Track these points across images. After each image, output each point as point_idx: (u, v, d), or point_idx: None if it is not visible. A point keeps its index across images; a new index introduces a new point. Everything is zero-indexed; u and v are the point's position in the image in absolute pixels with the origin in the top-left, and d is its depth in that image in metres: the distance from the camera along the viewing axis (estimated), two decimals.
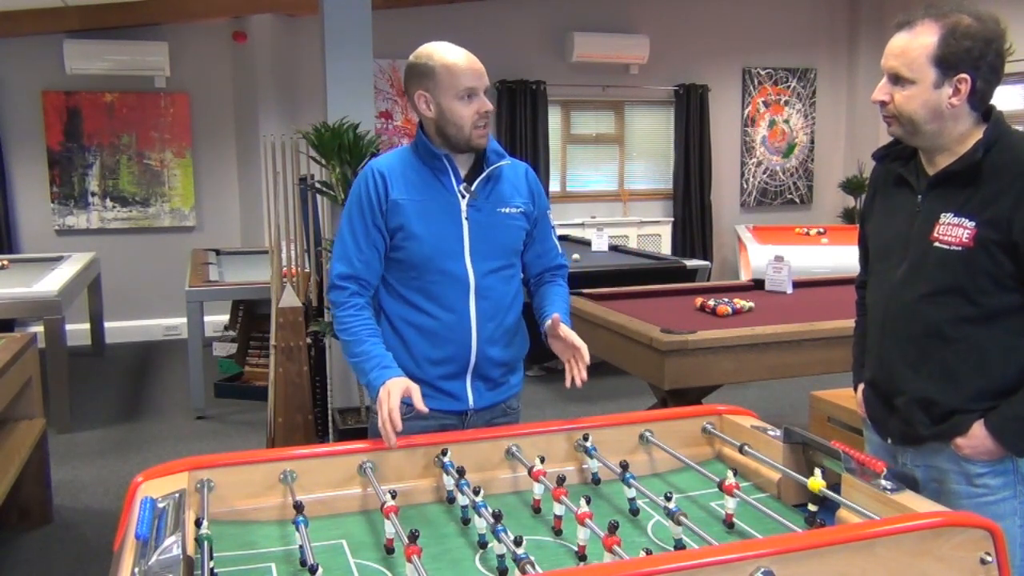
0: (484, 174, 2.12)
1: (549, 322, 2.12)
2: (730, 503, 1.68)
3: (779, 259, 4.56)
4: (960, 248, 1.76)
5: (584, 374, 2.08)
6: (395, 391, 1.92)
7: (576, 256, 6.61)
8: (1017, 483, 1.81)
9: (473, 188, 2.11)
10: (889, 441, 1.97)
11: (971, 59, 1.72)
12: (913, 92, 1.77)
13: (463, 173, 2.14)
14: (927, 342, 1.83)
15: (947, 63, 1.73)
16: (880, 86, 1.83)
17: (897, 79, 1.79)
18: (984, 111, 1.81)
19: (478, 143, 2.09)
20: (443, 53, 2.06)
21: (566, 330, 2.10)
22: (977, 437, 1.79)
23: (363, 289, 2.11)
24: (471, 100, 2.05)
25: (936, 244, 1.80)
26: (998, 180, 1.74)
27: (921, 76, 1.75)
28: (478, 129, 2.07)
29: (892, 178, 1.96)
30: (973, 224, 1.74)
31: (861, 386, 2.08)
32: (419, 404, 1.93)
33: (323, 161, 4.12)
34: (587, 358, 2.08)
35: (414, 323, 2.11)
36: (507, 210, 2.15)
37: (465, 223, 2.10)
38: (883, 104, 1.83)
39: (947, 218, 1.79)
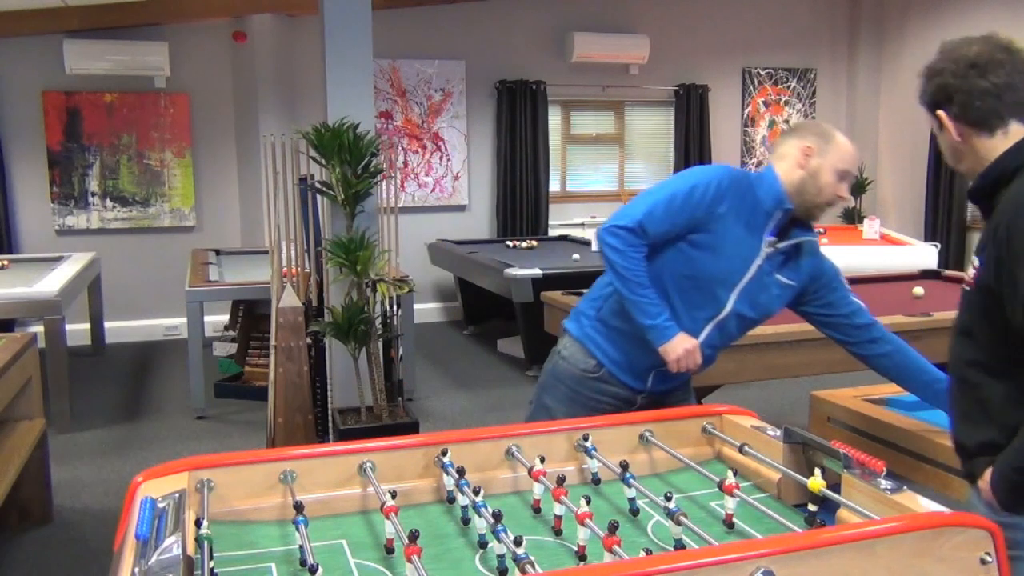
0: (792, 242, 2.32)
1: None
2: (730, 503, 1.68)
3: None
4: (970, 288, 1.70)
5: None
6: (695, 346, 2.26)
7: (576, 256, 6.62)
8: None
9: (778, 247, 2.29)
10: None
11: (940, 94, 1.71)
12: (940, 141, 1.78)
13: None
14: (955, 384, 1.78)
15: (929, 107, 1.74)
16: None
17: None
18: None
19: (814, 215, 2.31)
20: (843, 136, 2.32)
21: None
22: (984, 484, 1.70)
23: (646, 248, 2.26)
24: (841, 181, 2.27)
25: (964, 281, 1.74)
26: (996, 214, 1.63)
27: (933, 125, 1.76)
28: (825, 207, 2.29)
29: None
30: (979, 263, 1.67)
31: None
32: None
33: (323, 161, 4.12)
34: None
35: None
36: (784, 280, 2.34)
37: (752, 269, 2.29)
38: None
39: (975, 256, 1.71)
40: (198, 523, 1.50)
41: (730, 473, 1.76)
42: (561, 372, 2.46)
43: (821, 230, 7.97)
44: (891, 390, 2.78)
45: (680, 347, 2.24)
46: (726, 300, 2.31)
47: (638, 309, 2.25)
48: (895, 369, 2.35)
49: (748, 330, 2.45)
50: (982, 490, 1.71)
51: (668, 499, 1.61)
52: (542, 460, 1.83)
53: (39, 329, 5.09)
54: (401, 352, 4.55)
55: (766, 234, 2.28)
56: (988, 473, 1.69)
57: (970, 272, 1.71)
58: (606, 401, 2.42)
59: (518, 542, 1.41)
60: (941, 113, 1.72)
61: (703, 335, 2.33)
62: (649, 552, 1.46)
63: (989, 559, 1.42)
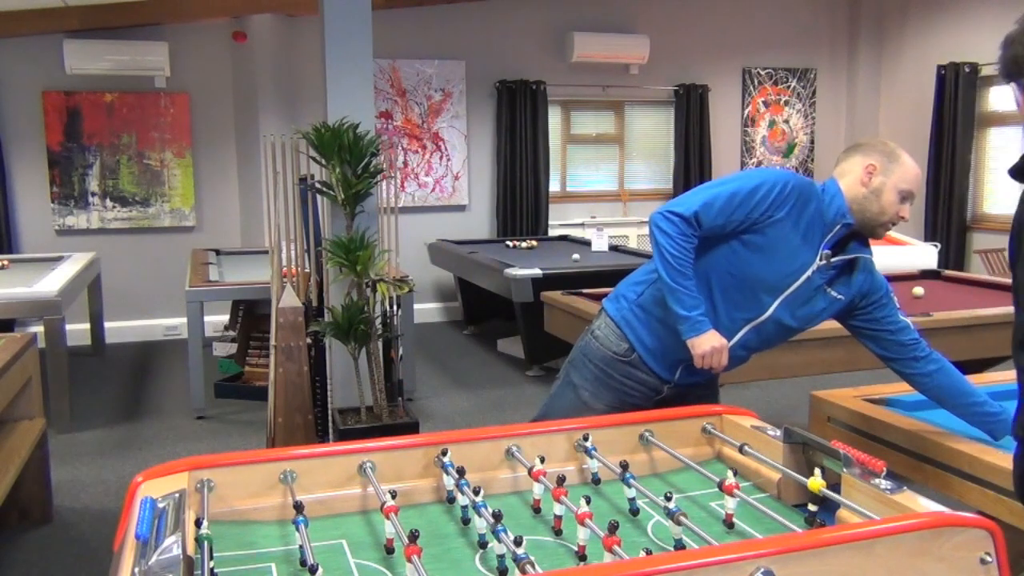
0: (847, 257, 2.32)
1: None
2: (730, 503, 1.68)
3: None
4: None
5: None
6: (724, 346, 2.24)
7: (576, 256, 6.62)
8: None
9: (831, 260, 2.29)
10: None
11: (1012, 65, 1.58)
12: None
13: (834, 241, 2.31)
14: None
15: (1005, 75, 1.60)
16: None
17: None
18: None
19: (877, 233, 2.32)
20: (908, 156, 2.31)
21: None
22: None
23: (696, 240, 2.25)
24: (903, 201, 2.28)
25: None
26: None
27: (1013, 96, 1.60)
28: (886, 227, 2.31)
29: None
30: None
31: None
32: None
33: (323, 161, 4.12)
34: None
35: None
36: (834, 294, 2.33)
37: (802, 279, 2.29)
38: None
39: None
40: (198, 523, 1.50)
41: (730, 473, 1.76)
42: (592, 351, 2.46)
43: None
44: (891, 390, 2.78)
45: (708, 344, 2.23)
46: (768, 305, 2.32)
47: (675, 298, 2.23)
48: (937, 390, 2.31)
49: (789, 337, 2.44)
50: None
51: (668, 499, 1.61)
52: (542, 460, 1.83)
53: (39, 329, 5.09)
54: (401, 352, 4.55)
55: (822, 247, 2.29)
56: None
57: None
58: (632, 386, 2.42)
59: (518, 542, 1.41)
60: (1013, 86, 1.60)
61: (739, 336, 2.34)
62: (649, 552, 1.46)
63: (989, 559, 1.42)
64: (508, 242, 7.52)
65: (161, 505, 1.51)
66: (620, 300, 2.48)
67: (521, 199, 8.13)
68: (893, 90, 8.93)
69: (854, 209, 2.29)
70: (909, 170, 2.28)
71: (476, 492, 1.66)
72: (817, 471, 1.72)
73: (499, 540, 1.48)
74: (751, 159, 9.06)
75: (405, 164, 7.89)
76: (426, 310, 7.99)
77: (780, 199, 2.23)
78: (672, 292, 2.24)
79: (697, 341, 2.23)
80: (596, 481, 1.90)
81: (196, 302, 5.30)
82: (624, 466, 1.81)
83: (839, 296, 2.35)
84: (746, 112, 8.98)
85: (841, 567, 1.36)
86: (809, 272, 2.29)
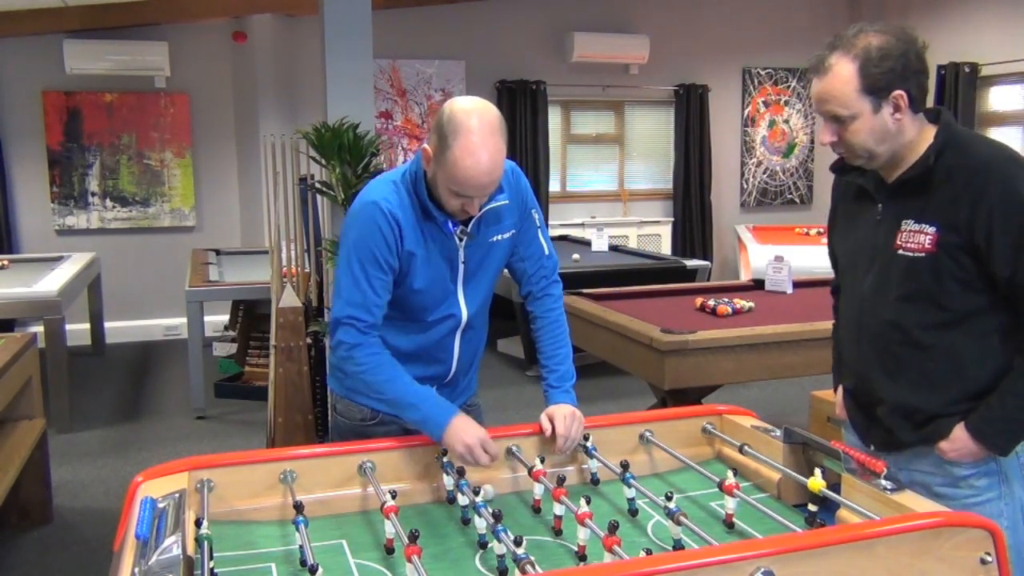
0: (480, 214, 2.00)
1: (544, 414, 2.04)
2: (730, 503, 1.68)
3: (779, 259, 4.56)
4: (924, 255, 1.77)
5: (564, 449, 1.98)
6: (477, 446, 1.86)
7: (576, 256, 6.61)
8: (1002, 483, 1.82)
9: (470, 230, 2.01)
10: (872, 448, 1.95)
11: (897, 75, 1.74)
12: (857, 126, 1.78)
13: None
14: (902, 351, 1.84)
15: (877, 88, 1.75)
16: (823, 128, 1.85)
17: (837, 119, 1.80)
18: (931, 111, 1.82)
19: (457, 218, 2.00)
20: (464, 148, 1.83)
21: (559, 425, 1.98)
22: (959, 440, 1.79)
23: (376, 332, 2.01)
24: (460, 198, 1.91)
25: (900, 252, 1.81)
26: (953, 183, 1.75)
27: (858, 109, 1.76)
28: (459, 214, 1.97)
29: (852, 189, 1.97)
30: (934, 230, 1.75)
31: (840, 388, 2.08)
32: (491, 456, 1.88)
33: (323, 161, 4.12)
34: (565, 445, 1.97)
35: (400, 348, 2.06)
36: (499, 237, 2.08)
37: (461, 267, 2.05)
38: (834, 144, 1.85)
39: (908, 225, 1.80)
40: (198, 523, 1.50)
41: (730, 473, 1.76)
42: (343, 429, 2.20)
43: (822, 230, 7.97)
44: None
45: (470, 452, 1.89)
46: (457, 309, 2.12)
47: (398, 406, 2.03)
48: (537, 334, 2.29)
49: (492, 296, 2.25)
50: (949, 450, 1.80)
51: (668, 499, 1.61)
52: (542, 460, 1.84)
53: (39, 329, 5.09)
54: None
55: (453, 228, 2.02)
56: (957, 430, 1.79)
57: (919, 240, 1.77)
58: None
59: (518, 542, 1.41)
60: (900, 92, 1.76)
61: (456, 346, 2.17)
62: (649, 552, 1.46)
63: (989, 559, 1.42)
64: None
65: (161, 505, 1.51)
66: (336, 373, 2.24)
67: None
68: None
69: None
70: (454, 168, 1.84)
71: (476, 492, 1.66)
72: (817, 471, 1.72)
73: (499, 540, 1.48)
74: (751, 159, 9.06)
75: None
76: None
77: (394, 235, 1.98)
78: (392, 403, 2.03)
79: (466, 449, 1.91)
80: (596, 481, 1.90)
81: (196, 302, 5.30)
82: (624, 466, 1.81)
83: (507, 233, 2.09)
84: (746, 112, 8.98)
85: (841, 567, 1.36)
86: (462, 258, 2.04)
